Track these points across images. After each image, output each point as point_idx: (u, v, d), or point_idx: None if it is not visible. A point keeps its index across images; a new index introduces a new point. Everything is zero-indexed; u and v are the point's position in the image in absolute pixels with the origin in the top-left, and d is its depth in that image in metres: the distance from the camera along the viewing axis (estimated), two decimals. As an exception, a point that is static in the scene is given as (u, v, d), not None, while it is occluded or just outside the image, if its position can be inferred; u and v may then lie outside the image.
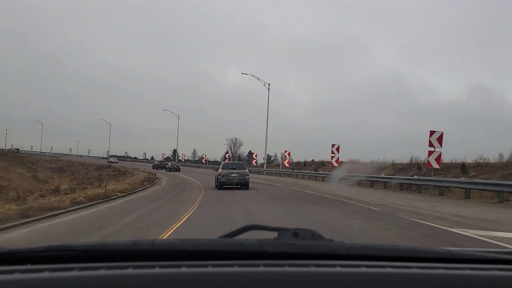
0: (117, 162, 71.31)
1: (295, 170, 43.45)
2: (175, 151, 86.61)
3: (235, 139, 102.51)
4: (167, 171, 51.43)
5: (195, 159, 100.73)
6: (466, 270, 1.06)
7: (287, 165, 48.51)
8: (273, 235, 1.19)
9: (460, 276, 1.03)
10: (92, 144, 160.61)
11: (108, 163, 64.16)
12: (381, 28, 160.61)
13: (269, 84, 42.56)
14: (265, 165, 48.82)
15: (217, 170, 22.74)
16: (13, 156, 43.05)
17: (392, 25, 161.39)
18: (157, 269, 0.99)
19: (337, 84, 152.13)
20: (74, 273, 0.97)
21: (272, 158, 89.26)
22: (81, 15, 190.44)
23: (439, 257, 1.17)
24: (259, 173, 47.15)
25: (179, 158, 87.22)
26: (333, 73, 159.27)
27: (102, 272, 0.97)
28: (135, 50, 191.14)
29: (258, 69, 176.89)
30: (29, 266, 1.05)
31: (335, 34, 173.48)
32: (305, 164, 52.09)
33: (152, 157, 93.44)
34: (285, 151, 48.15)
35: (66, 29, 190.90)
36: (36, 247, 1.16)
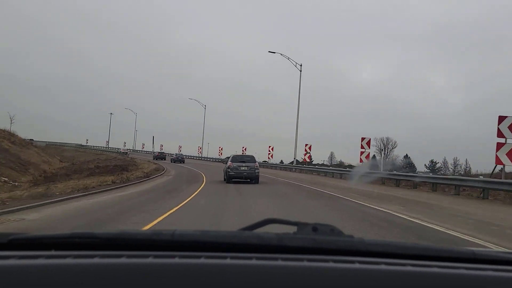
0: (127, 153, 75.52)
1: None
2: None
3: (387, 138, 78.99)
4: (171, 162, 54.57)
5: (332, 163, 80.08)
6: (489, 271, 1.04)
7: (366, 159, 37.96)
8: (292, 229, 1.19)
9: (482, 277, 1.01)
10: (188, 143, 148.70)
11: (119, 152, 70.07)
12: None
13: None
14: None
15: (226, 163, 22.65)
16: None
17: None
18: (177, 259, 1.00)
19: (494, 76, 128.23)
20: (96, 260, 0.99)
21: (438, 164, 72.00)
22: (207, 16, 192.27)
23: (460, 257, 1.16)
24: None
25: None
26: (491, 64, 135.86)
27: (123, 260, 0.99)
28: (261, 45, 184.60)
29: (399, 62, 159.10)
30: (53, 252, 1.07)
31: (494, 14, 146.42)
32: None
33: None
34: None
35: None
36: (60, 234, 1.18)
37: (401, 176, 24.04)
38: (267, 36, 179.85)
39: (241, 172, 21.13)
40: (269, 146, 56.32)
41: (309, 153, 44.83)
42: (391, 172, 25.47)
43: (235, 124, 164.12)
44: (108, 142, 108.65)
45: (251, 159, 22.62)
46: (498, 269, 1.06)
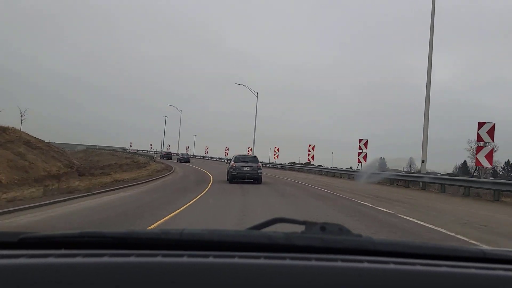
0: (136, 152, 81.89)
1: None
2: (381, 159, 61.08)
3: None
4: (177, 161, 57.77)
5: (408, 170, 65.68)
6: (499, 271, 1.03)
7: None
8: (300, 228, 1.19)
9: (492, 277, 1.00)
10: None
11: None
12: None
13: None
14: None
15: (229, 163, 22.67)
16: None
17: None
18: (185, 258, 1.00)
19: None
20: (105, 259, 0.99)
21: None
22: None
23: (470, 256, 1.15)
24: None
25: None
26: None
27: (132, 259, 0.99)
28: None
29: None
30: (63, 251, 1.08)
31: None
32: None
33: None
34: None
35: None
36: (70, 233, 1.19)
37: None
38: (332, 37, 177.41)
39: (244, 173, 21.17)
40: (360, 140, 32.41)
41: (493, 148, 20.22)
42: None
43: (307, 132, 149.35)
44: (152, 145, 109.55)
45: (254, 159, 22.70)
46: (508, 269, 1.05)
